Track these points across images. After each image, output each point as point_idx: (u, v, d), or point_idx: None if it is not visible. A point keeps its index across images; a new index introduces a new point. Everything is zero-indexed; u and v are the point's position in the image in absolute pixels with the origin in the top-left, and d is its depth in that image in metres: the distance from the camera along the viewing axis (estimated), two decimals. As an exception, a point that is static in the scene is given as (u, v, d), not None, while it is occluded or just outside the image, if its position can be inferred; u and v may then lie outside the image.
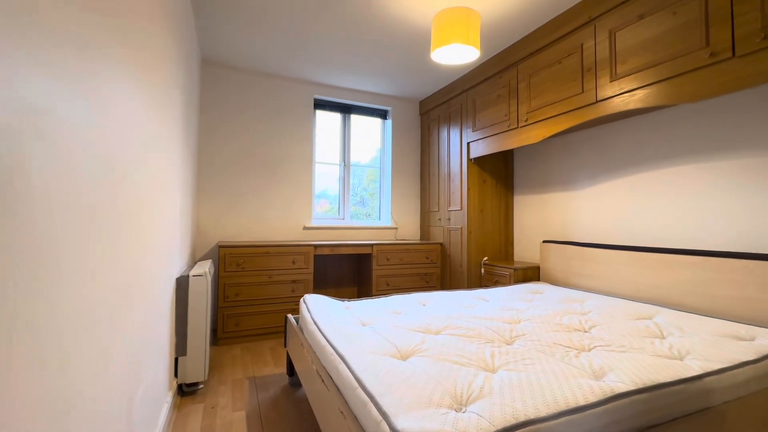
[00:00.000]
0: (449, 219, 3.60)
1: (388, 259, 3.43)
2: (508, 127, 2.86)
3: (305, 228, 3.65)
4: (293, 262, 3.06)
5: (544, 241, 3.02)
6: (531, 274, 3.08)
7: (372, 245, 3.39)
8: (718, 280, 1.92)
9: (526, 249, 3.40)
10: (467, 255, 3.33)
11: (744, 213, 1.94)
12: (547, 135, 2.53)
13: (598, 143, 2.72)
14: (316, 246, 3.17)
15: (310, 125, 3.70)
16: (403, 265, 3.50)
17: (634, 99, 2.01)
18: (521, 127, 2.75)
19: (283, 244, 3.05)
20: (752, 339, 1.62)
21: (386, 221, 4.10)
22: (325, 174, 3.93)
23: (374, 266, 3.39)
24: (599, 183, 2.71)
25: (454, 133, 3.54)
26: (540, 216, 3.25)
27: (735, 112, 1.98)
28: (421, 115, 4.16)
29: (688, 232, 2.17)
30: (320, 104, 3.82)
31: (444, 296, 2.43)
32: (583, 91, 2.29)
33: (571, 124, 2.35)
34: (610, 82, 2.12)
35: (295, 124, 3.64)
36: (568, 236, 2.98)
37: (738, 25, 1.60)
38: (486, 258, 3.36)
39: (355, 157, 4.05)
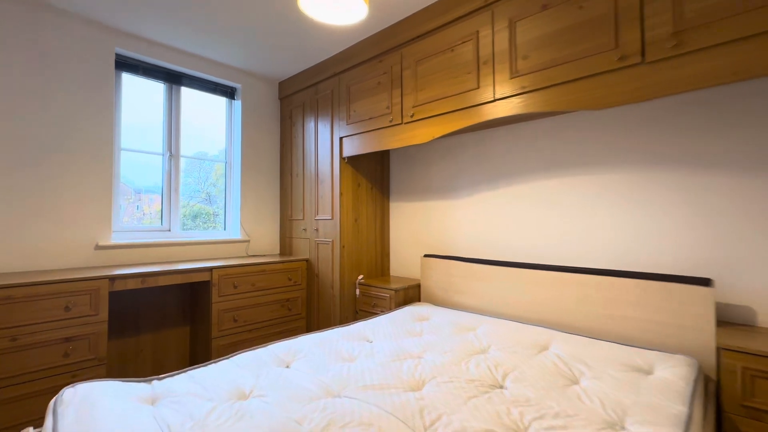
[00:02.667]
0: (317, 230, 2.93)
1: (235, 287, 2.54)
2: (390, 122, 2.38)
3: (99, 248, 2.41)
4: (67, 308, 1.89)
5: (426, 256, 2.68)
6: (412, 294, 2.70)
7: (211, 269, 2.44)
8: (608, 299, 1.84)
9: (402, 263, 3.03)
10: (340, 273, 2.73)
11: (631, 229, 1.90)
12: (438, 135, 2.14)
13: (483, 148, 2.50)
14: (113, 278, 2.05)
15: (109, 92, 2.47)
16: (258, 291, 2.67)
17: (535, 101, 1.76)
18: (406, 123, 2.30)
19: (49, 281, 1.84)
20: (650, 371, 1.51)
21: (234, 232, 3.15)
22: (155, 167, 2.73)
23: (215, 297, 2.45)
24: (481, 192, 2.50)
25: (324, 125, 2.89)
26: (418, 226, 2.91)
27: (629, 123, 1.94)
28: (282, 99, 3.36)
29: (576, 247, 2.08)
30: (129, 64, 2.62)
31: (315, 344, 1.77)
32: (479, 87, 1.96)
33: (466, 123, 2.01)
34: (510, 78, 1.84)
35: (84, 87, 2.36)
36: (449, 249, 2.71)
37: (648, 28, 1.45)
38: (362, 276, 2.83)
39: (198, 146, 2.97)
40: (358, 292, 2.79)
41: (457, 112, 2.05)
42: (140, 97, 2.74)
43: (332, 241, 2.79)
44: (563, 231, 2.12)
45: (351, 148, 2.68)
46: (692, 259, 1.72)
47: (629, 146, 1.89)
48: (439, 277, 2.58)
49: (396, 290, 2.57)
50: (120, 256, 2.49)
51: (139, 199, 2.77)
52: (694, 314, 1.60)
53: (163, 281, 2.24)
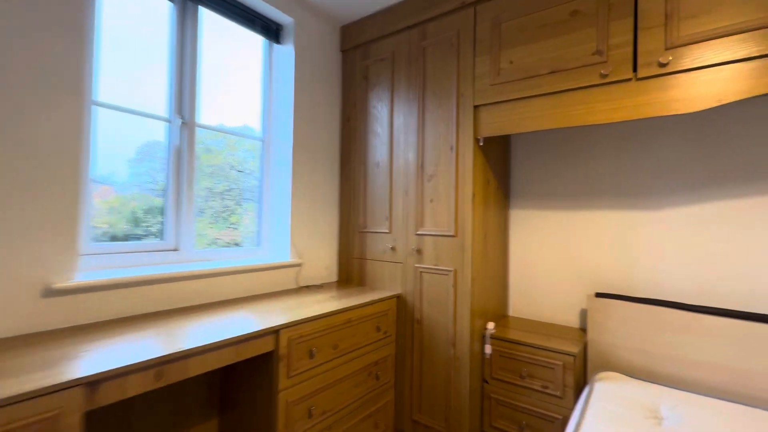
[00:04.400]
0: (418, 250, 1.88)
1: (312, 355, 1.44)
2: (603, 77, 1.39)
3: (53, 293, 1.21)
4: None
5: (598, 295, 1.73)
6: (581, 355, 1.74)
7: (277, 331, 1.32)
8: None
9: (528, 300, 2.06)
10: (470, 320, 1.71)
11: None
12: (732, 98, 1.18)
13: (709, 132, 1.59)
14: (94, 382, 0.90)
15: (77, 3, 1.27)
16: (341, 357, 1.58)
17: None
18: (646, 78, 1.32)
19: None
20: None
21: (277, 251, 2.02)
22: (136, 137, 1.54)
23: (282, 381, 1.33)
24: (699, 202, 1.59)
25: (438, 88, 1.84)
26: (563, 246, 1.95)
27: None
28: (346, 51, 2.25)
29: None
30: (115, -52, 1.42)
31: None
32: None
33: None
34: None
35: (20, -32, 1.15)
36: (627, 285, 1.78)
37: None
38: (492, 325, 1.82)
39: (205, 111, 1.80)
40: (488, 350, 1.78)
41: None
42: (130, 18, 1.54)
43: (454, 270, 1.75)
44: None
45: (496, 124, 1.66)
46: None
47: None
48: (630, 330, 1.64)
49: (574, 354, 1.59)
50: (93, 306, 1.30)
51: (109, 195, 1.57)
52: None
53: (195, 368, 1.10)
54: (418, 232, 1.88)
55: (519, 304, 2.10)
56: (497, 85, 1.64)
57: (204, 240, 1.82)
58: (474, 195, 1.71)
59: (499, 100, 1.64)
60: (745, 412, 1.32)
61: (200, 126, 1.75)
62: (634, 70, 1.34)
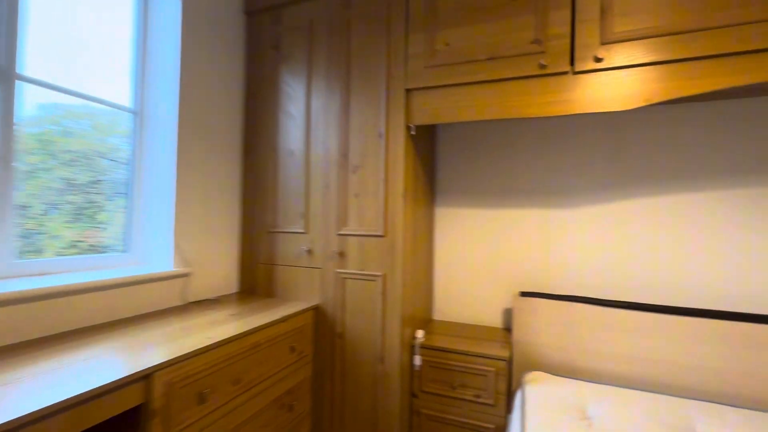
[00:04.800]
0: (341, 253, 1.62)
1: (203, 399, 1.07)
2: (542, 67, 1.32)
3: None
4: None
5: (524, 294, 1.71)
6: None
7: (147, 376, 0.93)
8: None
9: (451, 302, 1.98)
10: (399, 331, 1.52)
11: None
12: (661, 98, 1.20)
13: (622, 135, 1.68)
14: None
15: None
16: (246, 392, 1.24)
17: None
18: (583, 72, 1.28)
19: None
20: None
21: (159, 259, 1.54)
22: None
23: (157, 444, 0.94)
24: (614, 200, 1.68)
25: (365, 66, 1.60)
26: (487, 246, 1.91)
27: None
28: (251, 13, 1.86)
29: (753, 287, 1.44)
30: None
31: None
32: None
33: (735, 82, 1.13)
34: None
35: None
36: (548, 284, 1.80)
37: None
38: (421, 333, 1.66)
39: (43, 66, 1.25)
40: (418, 361, 1.61)
41: (717, 60, 1.15)
42: None
43: (383, 275, 1.54)
44: (736, 263, 1.46)
45: (430, 111, 1.49)
46: None
47: None
48: (553, 328, 1.65)
49: (506, 359, 1.52)
50: None
51: None
52: None
53: (-6, 461, 0.66)
54: (341, 232, 1.62)
55: (444, 307, 1.99)
56: (433, 68, 1.48)
57: (59, 243, 1.28)
58: (405, 190, 1.52)
59: (435, 84, 1.47)
60: (660, 400, 1.38)
61: (25, 79, 1.20)
62: (572, 63, 1.30)
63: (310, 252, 1.68)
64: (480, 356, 1.54)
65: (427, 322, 1.91)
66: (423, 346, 1.63)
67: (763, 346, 1.37)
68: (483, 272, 1.91)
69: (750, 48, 1.09)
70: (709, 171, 1.54)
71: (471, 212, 1.93)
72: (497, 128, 1.90)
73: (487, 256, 1.90)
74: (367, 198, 1.57)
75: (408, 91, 1.52)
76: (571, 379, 1.56)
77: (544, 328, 1.66)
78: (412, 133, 1.56)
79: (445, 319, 1.98)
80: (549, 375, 1.59)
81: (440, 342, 1.64)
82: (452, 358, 1.57)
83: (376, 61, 1.57)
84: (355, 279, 1.59)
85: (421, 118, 1.51)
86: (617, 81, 1.25)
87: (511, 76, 1.35)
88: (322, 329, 1.64)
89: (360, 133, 1.59)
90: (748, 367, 1.37)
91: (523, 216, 1.84)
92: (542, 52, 1.32)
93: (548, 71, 1.31)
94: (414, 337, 1.65)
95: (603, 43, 1.26)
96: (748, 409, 1.35)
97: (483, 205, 1.91)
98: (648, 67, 1.21)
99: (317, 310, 1.65)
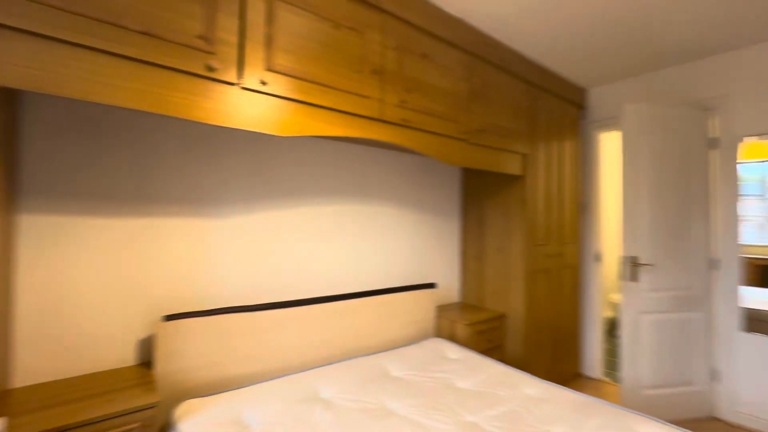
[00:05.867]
0: None
1: None
2: (213, 71, 1.18)
3: None
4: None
5: (168, 317, 1.50)
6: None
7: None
8: (381, 315, 2.12)
9: (57, 352, 1.40)
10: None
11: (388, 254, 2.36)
12: (310, 134, 1.42)
13: (266, 155, 1.85)
14: None
15: None
16: None
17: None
18: (254, 92, 1.27)
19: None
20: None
21: None
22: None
23: None
24: (259, 211, 1.85)
25: None
26: (110, 265, 1.51)
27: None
28: None
29: (348, 276, 2.19)
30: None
31: None
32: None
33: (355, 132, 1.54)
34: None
35: None
36: (198, 300, 1.68)
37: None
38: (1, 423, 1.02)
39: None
40: (-4, 470, 0.99)
41: (336, 113, 1.51)
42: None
43: None
44: (334, 261, 2.17)
45: (38, 74, 0.95)
46: (416, 272, 2.52)
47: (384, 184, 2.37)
48: (204, 347, 1.58)
49: (155, 405, 1.25)
50: None
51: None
52: (428, 308, 2.39)
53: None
54: None
55: (38, 363, 1.33)
56: (49, 7, 0.94)
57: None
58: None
59: (44, 32, 0.95)
60: (295, 380, 1.65)
61: None
62: (240, 77, 1.27)
63: None
64: (118, 416, 1.18)
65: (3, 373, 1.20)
66: (6, 442, 1.01)
67: (343, 314, 1.97)
68: (109, 300, 1.46)
69: (351, 111, 1.56)
70: (332, 191, 2.05)
71: (91, 222, 1.42)
72: (134, 120, 1.51)
73: (116, 279, 1.47)
74: None
75: (-17, 23, 0.89)
76: (225, 393, 1.54)
77: (196, 349, 1.54)
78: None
79: (43, 380, 1.34)
80: (201, 399, 1.48)
81: (43, 422, 1.09)
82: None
83: None
84: None
85: (19, 80, 0.93)
86: (278, 107, 1.37)
87: (174, 66, 1.13)
88: None
89: None
90: (341, 330, 1.95)
91: (167, 226, 1.58)
92: (212, 54, 1.20)
93: (217, 76, 1.21)
94: (-17, 435, 0.99)
95: (267, 69, 1.34)
96: (348, 360, 1.91)
97: (112, 213, 1.46)
98: (299, 104, 1.43)
99: None
